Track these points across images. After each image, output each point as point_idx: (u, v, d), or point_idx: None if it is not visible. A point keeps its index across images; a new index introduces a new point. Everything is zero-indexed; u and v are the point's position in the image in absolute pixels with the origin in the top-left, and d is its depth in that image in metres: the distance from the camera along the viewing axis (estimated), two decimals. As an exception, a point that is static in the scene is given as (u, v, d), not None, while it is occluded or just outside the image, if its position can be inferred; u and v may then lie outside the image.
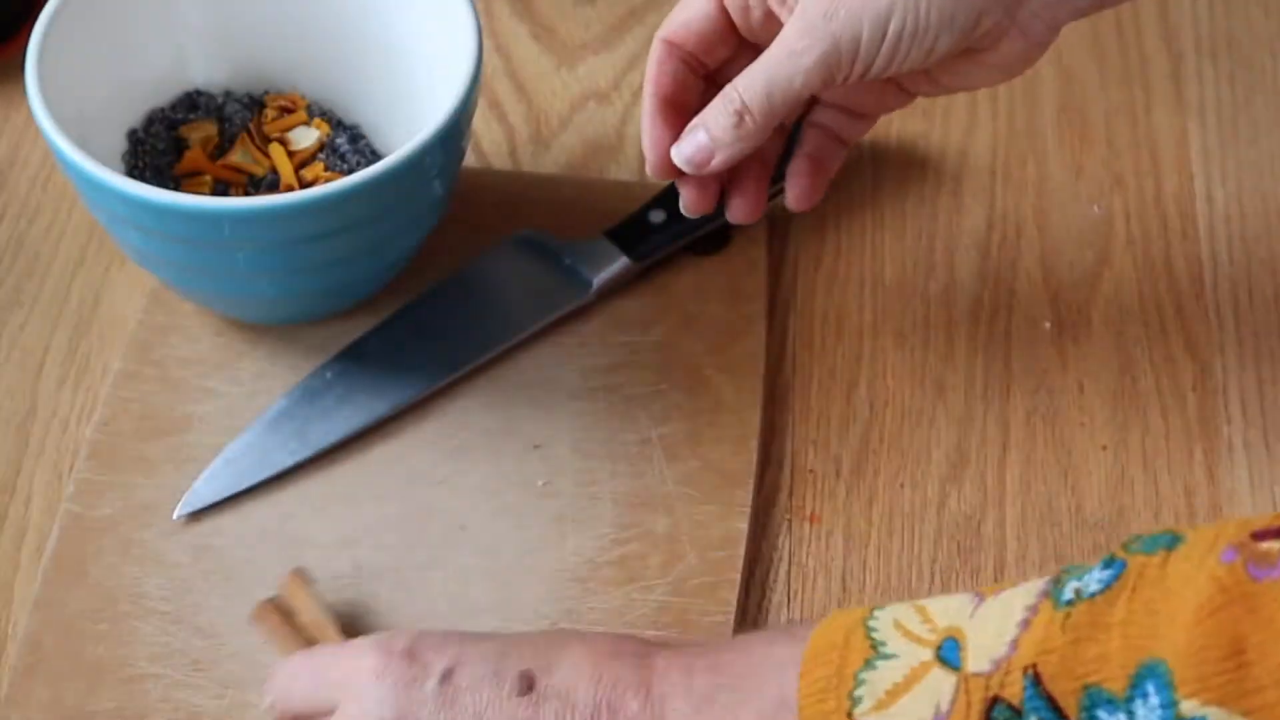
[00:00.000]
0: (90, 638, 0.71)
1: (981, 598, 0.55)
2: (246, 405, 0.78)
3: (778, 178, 0.75)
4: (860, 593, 0.73)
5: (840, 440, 0.78)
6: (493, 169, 0.88)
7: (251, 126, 0.84)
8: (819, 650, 0.57)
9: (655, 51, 0.72)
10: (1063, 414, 0.79)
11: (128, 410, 0.78)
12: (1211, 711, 0.48)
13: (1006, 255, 0.85)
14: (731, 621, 0.71)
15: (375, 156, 0.83)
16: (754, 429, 0.77)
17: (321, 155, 0.83)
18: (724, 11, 0.71)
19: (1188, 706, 0.49)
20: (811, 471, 0.77)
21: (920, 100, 0.74)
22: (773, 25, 0.69)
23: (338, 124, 0.84)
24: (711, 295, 0.82)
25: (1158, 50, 0.94)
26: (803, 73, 0.66)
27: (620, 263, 0.81)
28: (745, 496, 0.75)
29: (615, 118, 0.91)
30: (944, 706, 0.53)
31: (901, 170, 0.88)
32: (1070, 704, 0.51)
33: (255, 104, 0.85)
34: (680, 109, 0.71)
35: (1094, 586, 0.52)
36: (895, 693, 0.55)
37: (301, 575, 0.70)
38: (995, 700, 0.52)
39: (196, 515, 0.75)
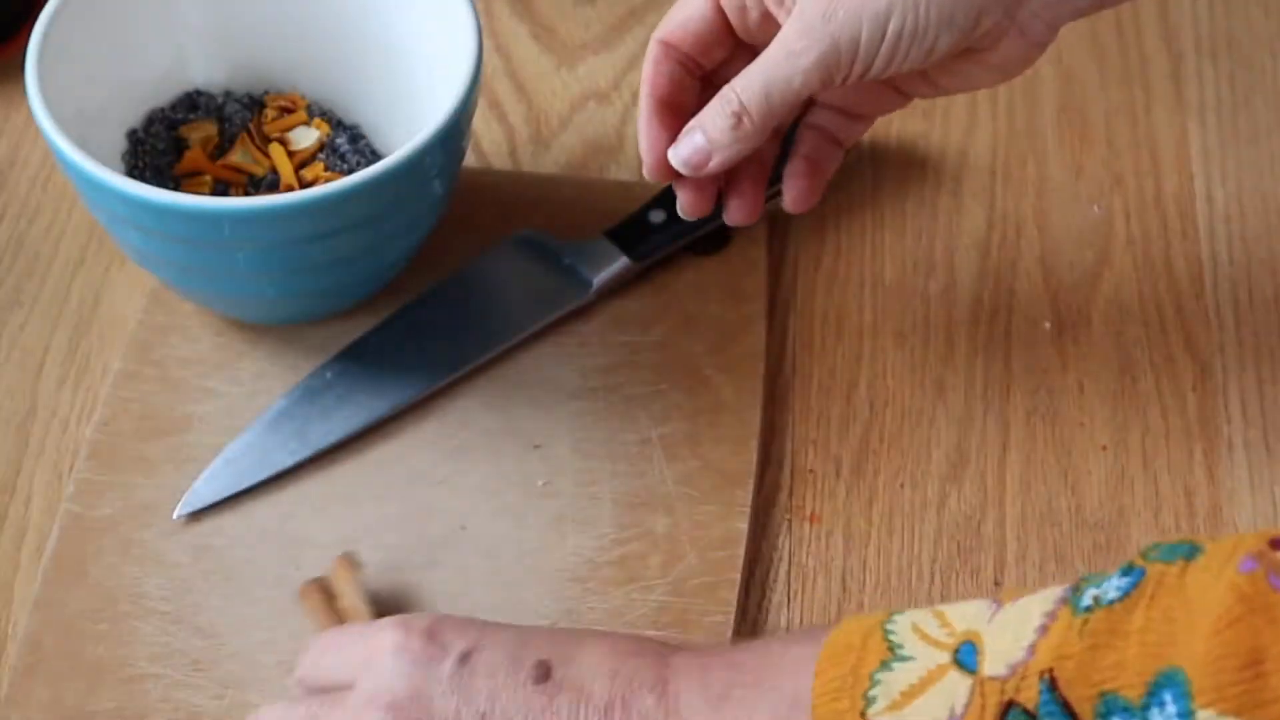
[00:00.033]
0: (90, 638, 0.71)
1: (1000, 604, 0.55)
2: (246, 405, 0.78)
3: (775, 179, 0.75)
4: (860, 593, 0.73)
5: (840, 440, 0.78)
6: (493, 169, 0.88)
7: (251, 126, 0.84)
8: (836, 651, 0.57)
9: (651, 53, 0.71)
10: (1063, 414, 0.79)
11: (128, 410, 0.78)
12: None
13: (1006, 255, 0.85)
14: (731, 621, 0.71)
15: (375, 156, 0.83)
16: (754, 429, 0.77)
17: (321, 155, 0.83)
18: (720, 12, 0.70)
19: (1205, 716, 0.48)
20: (811, 471, 0.77)
21: (920, 100, 0.74)
22: (770, 26, 0.69)
23: (338, 124, 0.84)
24: (711, 295, 0.82)
25: (1158, 50, 0.94)
26: (801, 73, 0.66)
27: (620, 263, 0.81)
28: (745, 496, 0.75)
29: (615, 118, 0.91)
30: (958, 709, 0.53)
31: (901, 170, 0.88)
32: (1086, 710, 0.51)
33: (255, 104, 0.85)
34: (677, 111, 0.71)
35: (1112, 594, 0.52)
36: (910, 694, 0.54)
37: (350, 559, 0.70)
38: (1010, 704, 0.52)
39: (196, 515, 0.75)
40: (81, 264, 0.84)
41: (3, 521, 0.75)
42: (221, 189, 0.82)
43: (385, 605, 0.70)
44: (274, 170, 0.82)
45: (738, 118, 0.67)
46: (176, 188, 0.80)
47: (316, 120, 0.84)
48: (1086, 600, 0.52)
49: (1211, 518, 0.75)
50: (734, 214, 0.74)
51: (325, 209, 0.73)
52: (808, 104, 0.73)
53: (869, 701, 0.55)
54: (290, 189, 0.81)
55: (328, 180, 0.79)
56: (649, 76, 0.71)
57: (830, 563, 0.74)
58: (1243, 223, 0.86)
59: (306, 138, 0.83)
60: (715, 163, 0.69)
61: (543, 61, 0.93)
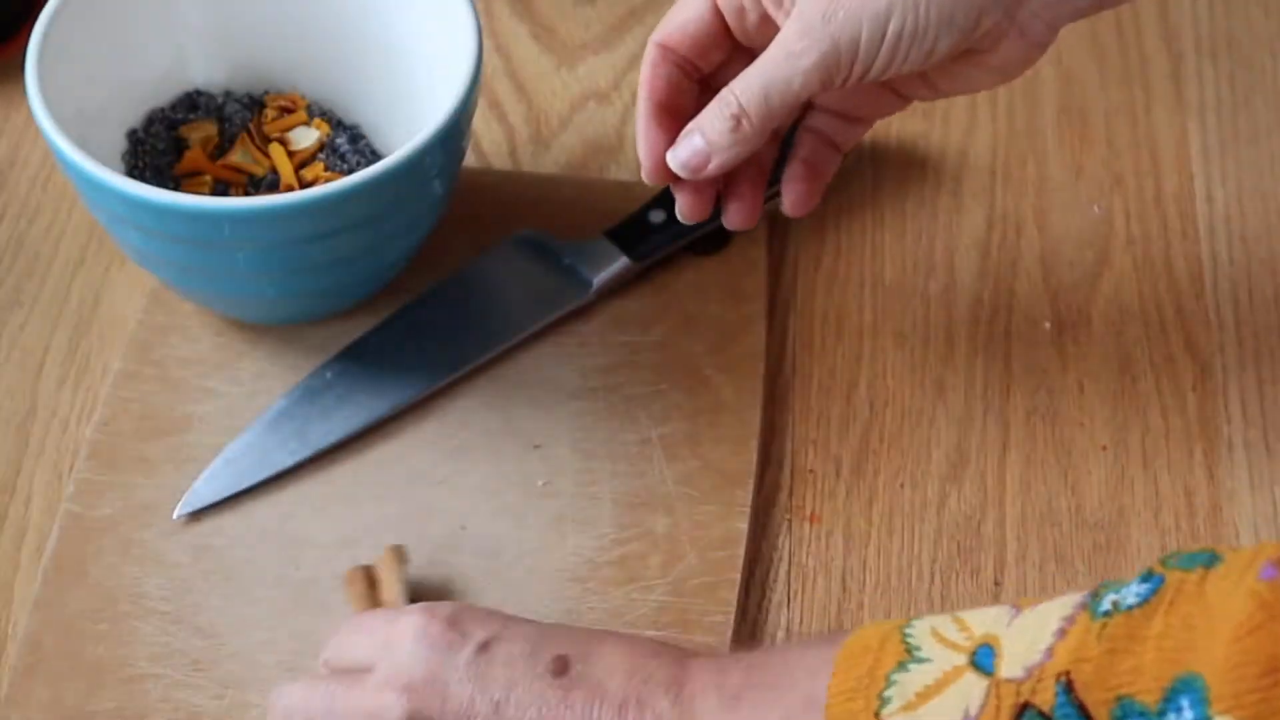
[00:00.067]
0: (90, 638, 0.71)
1: (1019, 610, 0.55)
2: (246, 405, 0.78)
3: (774, 180, 0.75)
4: (860, 593, 0.73)
5: (840, 440, 0.78)
6: (493, 169, 0.88)
7: (251, 126, 0.84)
8: (853, 653, 0.57)
9: (649, 55, 0.71)
10: (1063, 414, 0.79)
11: (128, 410, 0.78)
12: None
13: (1006, 255, 0.85)
14: (731, 621, 0.71)
15: (375, 156, 0.83)
16: (754, 429, 0.77)
17: (321, 155, 0.83)
18: (718, 15, 0.70)
19: None
20: (811, 471, 0.77)
21: (920, 101, 0.74)
22: (768, 29, 0.68)
23: (338, 124, 0.84)
24: (711, 295, 0.82)
25: (1158, 50, 0.94)
26: (801, 74, 0.66)
27: (620, 263, 0.81)
28: (745, 496, 0.75)
29: (615, 118, 0.91)
30: (973, 710, 0.53)
31: (901, 170, 0.88)
32: (1102, 713, 0.51)
33: (255, 104, 0.85)
34: (675, 113, 0.71)
35: (1131, 600, 0.52)
36: (925, 695, 0.54)
37: (397, 552, 0.71)
38: (1026, 706, 0.52)
39: (196, 515, 0.75)
40: (81, 264, 0.84)
41: (3, 521, 0.75)
42: (221, 189, 0.82)
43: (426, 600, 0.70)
44: (274, 170, 0.82)
45: (737, 120, 0.67)
46: (176, 188, 0.80)
47: (316, 120, 0.84)
48: (1105, 605, 0.52)
49: (1211, 518, 0.75)
50: (733, 217, 0.73)
51: (325, 209, 0.73)
52: (806, 107, 0.73)
53: (884, 702, 0.55)
54: (290, 189, 0.81)
55: (328, 180, 0.79)
56: (647, 79, 0.71)
57: (830, 563, 0.74)
58: (1243, 223, 0.86)
59: (306, 138, 0.83)
60: (714, 165, 0.69)
61: (543, 61, 0.93)
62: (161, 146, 0.82)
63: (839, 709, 0.56)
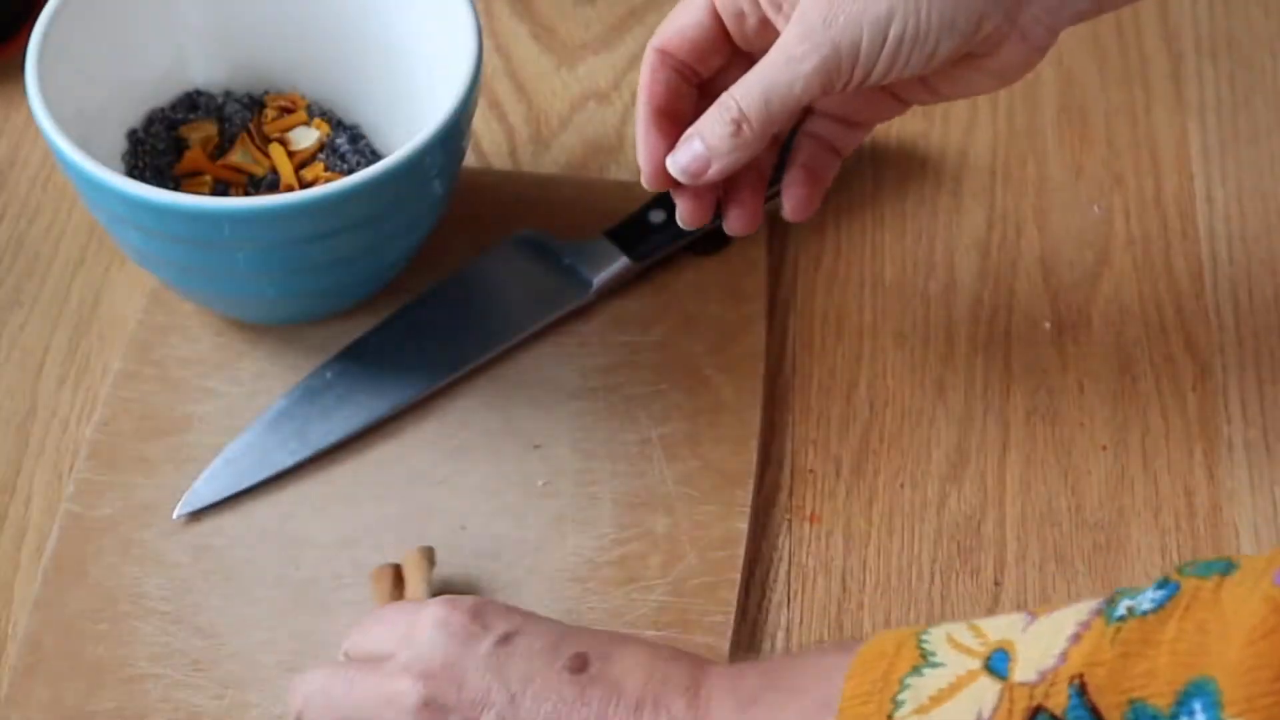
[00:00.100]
0: (90, 638, 0.71)
1: (1035, 616, 0.55)
2: (246, 405, 0.78)
3: (775, 179, 0.75)
4: (860, 593, 0.73)
5: (840, 440, 0.78)
6: (493, 169, 0.88)
7: (251, 126, 0.84)
8: (868, 659, 0.57)
9: (648, 60, 0.71)
10: (1063, 414, 0.79)
11: (128, 410, 0.78)
12: None
13: (1006, 255, 0.85)
14: (731, 621, 0.71)
15: (375, 156, 0.83)
16: (754, 429, 0.77)
17: (321, 155, 0.83)
18: (718, 20, 0.70)
19: None
20: (811, 471, 0.77)
21: (919, 103, 0.74)
22: (768, 33, 0.68)
23: (338, 124, 0.84)
24: (711, 295, 0.82)
25: (1158, 50, 0.94)
26: (802, 79, 0.66)
27: (620, 263, 0.81)
28: (745, 496, 0.75)
29: (615, 118, 0.91)
30: (985, 713, 0.53)
31: (901, 170, 0.88)
32: (1114, 717, 0.51)
33: (255, 104, 0.85)
34: (674, 118, 0.70)
35: (1146, 605, 0.52)
36: (938, 698, 0.54)
37: (424, 554, 0.71)
38: (1038, 709, 0.52)
39: (196, 515, 0.75)
40: (81, 264, 0.84)
41: (3, 521, 0.75)
42: (221, 189, 0.82)
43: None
44: (274, 170, 0.82)
45: (737, 125, 0.67)
46: (176, 188, 0.80)
47: (316, 120, 0.84)
48: (1120, 611, 0.52)
49: (1211, 518, 0.75)
50: (733, 223, 0.73)
51: (325, 209, 0.73)
52: (805, 112, 0.73)
53: (897, 705, 0.55)
54: (290, 189, 0.81)
55: (328, 180, 0.79)
56: (646, 85, 0.70)
57: (830, 563, 0.74)
58: (1243, 223, 0.86)
59: (306, 138, 0.83)
60: (714, 170, 0.68)
61: (543, 61, 0.93)
62: (161, 146, 0.82)
63: (852, 712, 0.56)
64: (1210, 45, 0.94)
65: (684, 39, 0.70)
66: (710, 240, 0.83)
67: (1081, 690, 0.51)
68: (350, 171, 0.80)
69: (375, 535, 0.74)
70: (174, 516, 0.75)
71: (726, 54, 0.71)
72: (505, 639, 0.62)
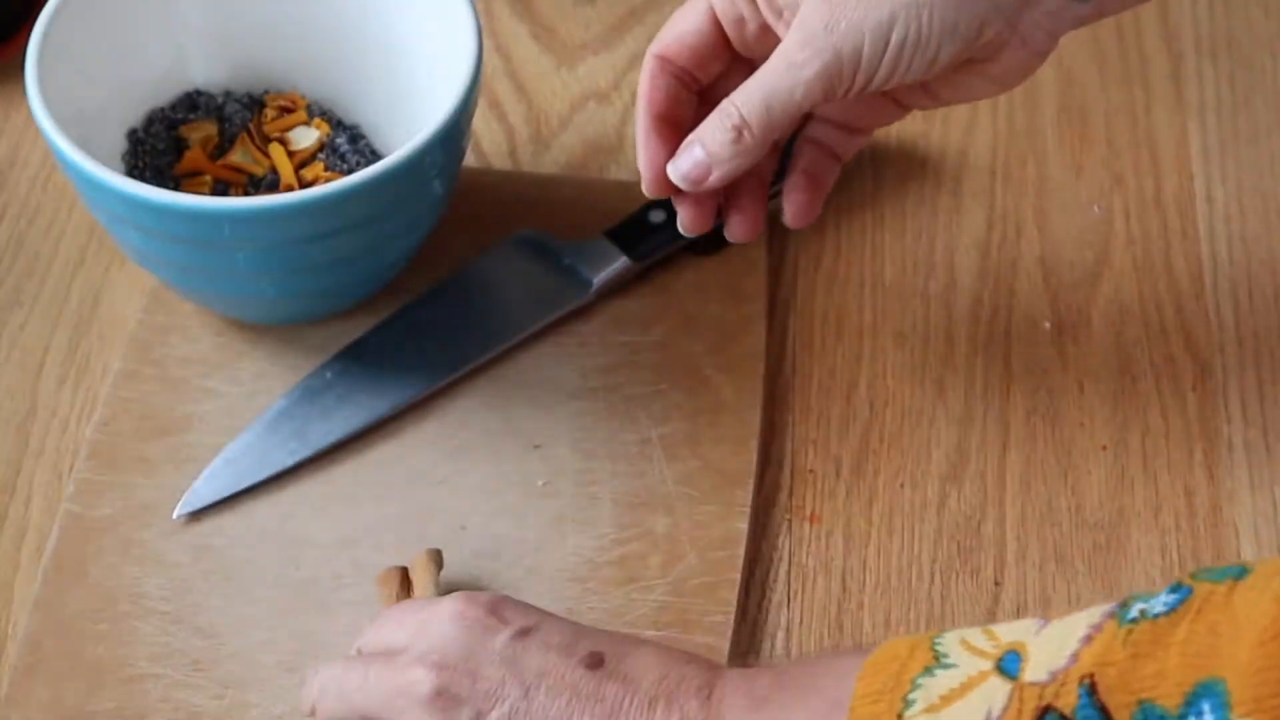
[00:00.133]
0: (90, 638, 0.71)
1: (1048, 621, 0.56)
2: (246, 405, 0.78)
3: (775, 179, 0.75)
4: (860, 593, 0.73)
5: (840, 440, 0.78)
6: (493, 169, 0.88)
7: (251, 126, 0.84)
8: (881, 660, 0.57)
9: (648, 67, 0.70)
10: (1063, 414, 0.79)
11: (128, 410, 0.78)
12: None
13: (1006, 255, 0.85)
14: (731, 621, 0.71)
15: (375, 156, 0.83)
16: (754, 429, 0.77)
17: (321, 155, 0.83)
18: (718, 26, 0.70)
19: None
20: (811, 471, 0.77)
21: (919, 106, 0.74)
22: (768, 39, 0.68)
23: (338, 124, 0.84)
24: (711, 295, 0.82)
25: (1158, 50, 0.94)
26: (803, 85, 0.66)
27: (620, 263, 0.81)
28: (745, 496, 0.75)
29: (615, 118, 0.91)
30: (995, 713, 0.53)
31: (901, 170, 0.88)
32: (1123, 716, 0.51)
33: (255, 104, 0.85)
34: (674, 125, 0.70)
35: (1159, 608, 0.52)
36: (949, 698, 0.54)
37: (432, 556, 0.71)
38: (1048, 709, 0.52)
39: (196, 515, 0.75)
40: (81, 264, 0.84)
41: (3, 521, 0.75)
42: (221, 189, 0.82)
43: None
44: (274, 170, 0.82)
45: (738, 131, 0.67)
46: (176, 188, 0.80)
47: (316, 120, 0.84)
48: (1133, 613, 0.52)
49: (1211, 518, 0.75)
50: (735, 230, 0.73)
51: (325, 209, 0.73)
52: (806, 118, 0.73)
53: (907, 704, 0.55)
54: (290, 189, 0.81)
55: (328, 180, 0.79)
56: (645, 92, 0.70)
57: (830, 563, 0.74)
58: (1243, 223, 0.86)
59: (306, 138, 0.83)
60: (715, 177, 0.68)
61: (543, 61, 0.93)
62: (161, 146, 0.82)
63: (863, 710, 0.56)
64: (1210, 45, 0.94)
65: (684, 45, 0.70)
66: (710, 240, 0.83)
67: (1091, 690, 0.51)
68: (350, 171, 0.80)
69: (375, 535, 0.74)
70: (174, 516, 0.75)
71: (726, 60, 0.71)
72: (522, 633, 0.62)
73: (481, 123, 0.90)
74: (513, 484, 0.76)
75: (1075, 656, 0.52)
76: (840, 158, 0.74)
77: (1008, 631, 0.56)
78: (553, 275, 0.82)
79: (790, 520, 0.76)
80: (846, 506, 0.76)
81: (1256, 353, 0.81)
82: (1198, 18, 0.95)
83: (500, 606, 0.64)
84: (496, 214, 0.84)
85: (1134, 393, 0.80)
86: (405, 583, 0.70)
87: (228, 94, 0.85)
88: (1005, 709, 0.53)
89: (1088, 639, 0.53)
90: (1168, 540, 0.75)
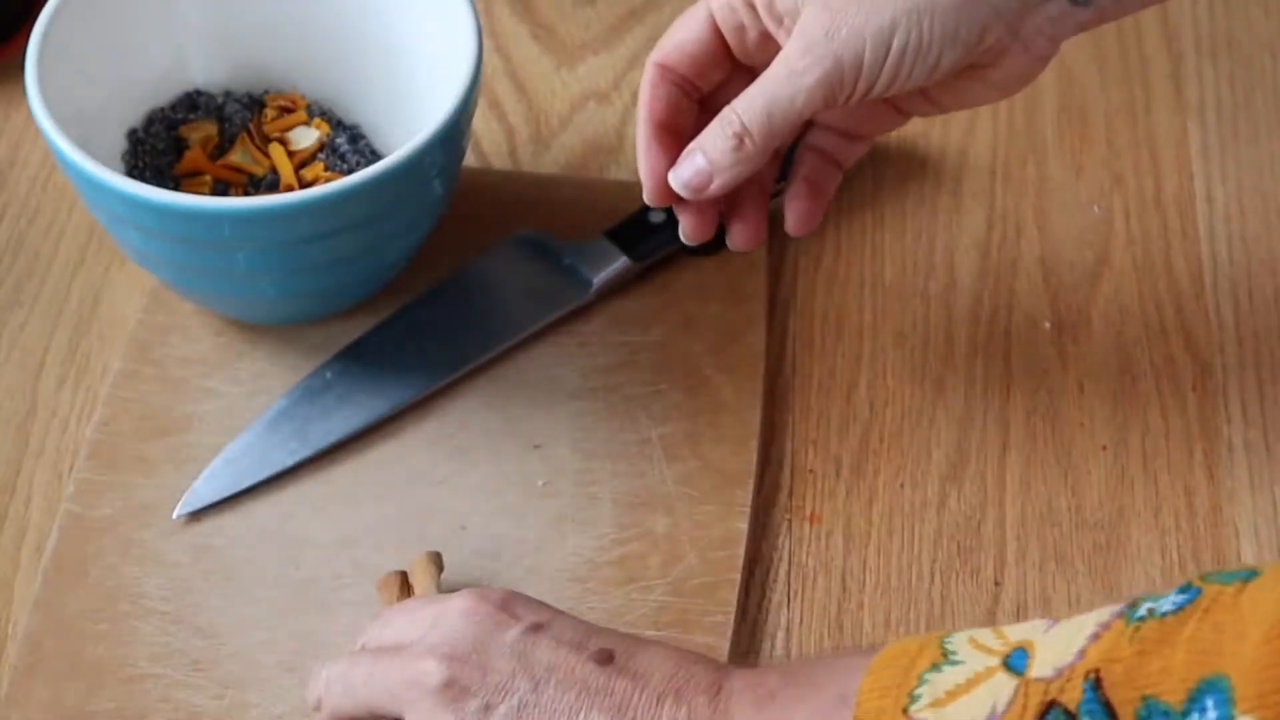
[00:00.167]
0: (90, 638, 0.71)
1: (1057, 621, 0.56)
2: (246, 405, 0.78)
3: (777, 179, 0.75)
4: (860, 593, 0.73)
5: (840, 440, 0.78)
6: (493, 169, 0.88)
7: (251, 126, 0.84)
8: (890, 657, 0.57)
9: (648, 75, 0.70)
10: (1063, 414, 0.79)
11: (128, 410, 0.78)
12: None
13: (1006, 255, 0.85)
14: (731, 621, 0.71)
15: (375, 156, 0.83)
16: (754, 429, 0.77)
17: (321, 155, 0.83)
18: (718, 34, 0.70)
19: None
20: (811, 471, 0.77)
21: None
22: (769, 47, 0.68)
23: (338, 124, 0.84)
24: (711, 295, 0.82)
25: (1158, 50, 0.94)
26: (804, 92, 0.66)
27: (620, 262, 0.81)
28: (745, 496, 0.75)
29: (615, 118, 0.91)
30: (1000, 708, 0.53)
31: (901, 170, 0.88)
32: (1127, 712, 0.51)
33: (255, 104, 0.85)
34: (675, 133, 0.70)
35: (1167, 608, 0.52)
36: (955, 693, 0.54)
37: (432, 558, 0.71)
38: (1052, 704, 0.52)
39: (196, 515, 0.75)
40: (81, 264, 0.84)
41: (3, 521, 0.75)
42: (221, 189, 0.82)
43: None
44: (274, 170, 0.82)
45: (739, 139, 0.67)
46: (176, 188, 0.80)
47: (316, 120, 0.84)
48: (1141, 612, 0.52)
49: (1211, 518, 0.75)
50: (737, 239, 0.73)
51: (325, 209, 0.73)
52: (807, 125, 0.73)
53: (913, 699, 0.55)
54: (290, 189, 0.81)
55: (328, 180, 0.79)
56: (646, 100, 0.70)
57: (830, 563, 0.74)
58: (1243, 223, 0.86)
59: (306, 138, 0.83)
60: (716, 185, 0.68)
61: (543, 61, 0.93)
62: (161, 146, 0.83)
63: (869, 704, 0.56)
64: (1210, 45, 0.94)
65: (684, 54, 0.70)
66: (710, 241, 0.83)
67: (1097, 685, 0.51)
68: (350, 171, 0.80)
69: (375, 535, 0.74)
70: (174, 516, 0.75)
71: (727, 69, 0.71)
72: (534, 629, 0.63)
73: (481, 123, 0.90)
74: (513, 484, 0.76)
75: (1082, 653, 0.53)
76: (842, 165, 0.74)
77: (1017, 631, 0.56)
78: (553, 275, 0.82)
79: (790, 520, 0.76)
80: (846, 506, 0.76)
81: (1256, 353, 0.81)
82: (1198, 18, 0.95)
83: (512, 603, 0.64)
84: (496, 214, 0.84)
85: (1134, 393, 0.80)
86: (405, 587, 0.70)
87: (228, 94, 0.85)
88: (1010, 704, 0.53)
89: (1095, 636, 0.53)
90: (1168, 540, 0.75)
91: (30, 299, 0.83)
